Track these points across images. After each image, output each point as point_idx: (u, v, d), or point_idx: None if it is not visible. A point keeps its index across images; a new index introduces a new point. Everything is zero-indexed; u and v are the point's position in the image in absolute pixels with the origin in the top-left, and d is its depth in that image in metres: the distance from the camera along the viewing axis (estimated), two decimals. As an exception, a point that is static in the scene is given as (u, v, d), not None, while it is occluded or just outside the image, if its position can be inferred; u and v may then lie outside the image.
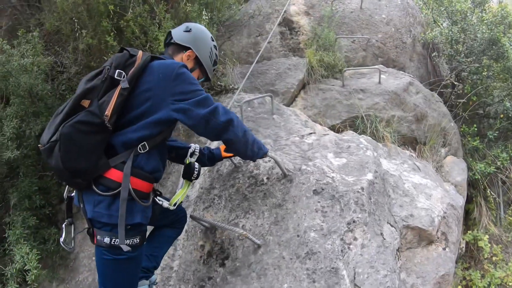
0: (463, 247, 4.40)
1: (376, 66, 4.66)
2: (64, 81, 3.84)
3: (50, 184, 3.72)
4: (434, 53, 5.60)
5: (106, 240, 1.79)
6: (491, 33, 4.89)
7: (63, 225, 1.94)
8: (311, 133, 3.36)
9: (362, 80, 4.52)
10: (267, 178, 2.77)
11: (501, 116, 5.14)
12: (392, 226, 2.91)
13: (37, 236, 3.51)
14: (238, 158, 2.84)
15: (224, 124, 1.97)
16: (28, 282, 3.11)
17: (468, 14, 5.36)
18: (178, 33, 2.19)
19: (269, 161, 2.82)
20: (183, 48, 2.18)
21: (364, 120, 3.98)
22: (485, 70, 5.13)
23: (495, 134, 4.97)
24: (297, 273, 2.40)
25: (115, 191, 1.79)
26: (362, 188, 2.66)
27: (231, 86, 3.94)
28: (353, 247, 2.47)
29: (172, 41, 2.18)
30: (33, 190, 3.52)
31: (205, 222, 2.72)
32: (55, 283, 3.64)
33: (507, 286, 4.09)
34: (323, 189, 2.65)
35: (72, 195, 1.97)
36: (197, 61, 2.22)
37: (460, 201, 3.82)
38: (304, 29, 4.93)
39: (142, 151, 1.87)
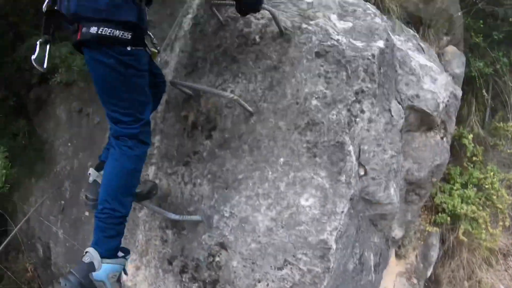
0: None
1: None
2: None
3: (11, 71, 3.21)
4: None
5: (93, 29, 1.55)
6: None
7: (37, 42, 1.68)
8: (310, -8, 2.81)
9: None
10: (260, 37, 2.29)
11: (510, 20, 4.66)
12: (399, 103, 2.58)
13: (5, 132, 3.15)
14: (226, 13, 2.34)
15: None
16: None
17: None
18: None
19: (262, 18, 2.31)
20: None
21: (369, -13, 3.43)
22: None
23: (501, 36, 4.50)
24: (296, 146, 2.07)
25: None
26: (373, 56, 2.22)
27: None
28: (359, 121, 2.13)
29: None
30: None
31: (188, 88, 2.28)
32: (33, 178, 3.40)
33: (483, 188, 4.01)
34: (327, 52, 2.20)
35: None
36: None
37: (460, 93, 3.53)
38: None
39: None
